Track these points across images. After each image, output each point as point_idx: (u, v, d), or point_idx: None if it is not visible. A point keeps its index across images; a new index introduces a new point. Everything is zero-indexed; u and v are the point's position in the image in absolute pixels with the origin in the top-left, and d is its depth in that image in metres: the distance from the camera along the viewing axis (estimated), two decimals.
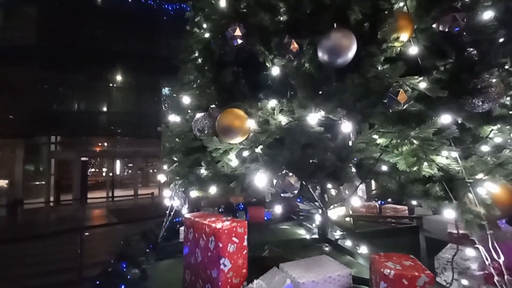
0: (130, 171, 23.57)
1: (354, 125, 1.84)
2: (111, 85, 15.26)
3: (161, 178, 3.01)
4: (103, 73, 14.65)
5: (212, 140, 2.10)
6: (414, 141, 1.67)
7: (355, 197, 1.96)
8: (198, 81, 2.86)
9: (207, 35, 2.70)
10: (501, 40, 2.18)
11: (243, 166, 2.09)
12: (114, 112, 15.17)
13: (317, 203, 3.65)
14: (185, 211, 2.74)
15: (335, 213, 4.12)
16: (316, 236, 3.90)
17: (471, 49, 2.08)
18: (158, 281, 2.57)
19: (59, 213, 11.49)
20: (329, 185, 3.71)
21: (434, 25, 2.01)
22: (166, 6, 16.45)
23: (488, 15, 2.17)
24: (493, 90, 1.85)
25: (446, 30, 1.96)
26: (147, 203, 12.83)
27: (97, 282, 2.32)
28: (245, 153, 2.07)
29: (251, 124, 2.01)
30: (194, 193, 2.42)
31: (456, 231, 3.11)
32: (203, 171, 2.30)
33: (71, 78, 13.90)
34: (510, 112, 2.11)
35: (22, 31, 13.16)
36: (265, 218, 5.20)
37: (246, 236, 2.23)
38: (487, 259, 1.63)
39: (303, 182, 2.11)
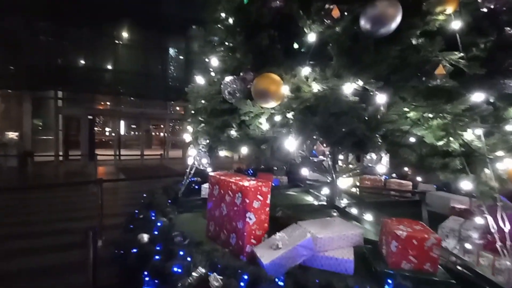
0: (134, 133, 23.74)
1: (387, 97, 1.90)
2: (116, 41, 14.76)
3: (186, 137, 3.14)
4: (108, 28, 14.08)
5: (245, 102, 2.18)
6: (447, 115, 1.75)
7: (379, 165, 2.10)
8: (226, 43, 2.85)
9: None
10: None
11: (273, 129, 2.20)
12: (119, 70, 14.85)
13: (327, 173, 3.84)
14: (209, 170, 2.91)
15: (343, 183, 4.33)
16: (323, 202, 4.15)
17: (509, 28, 2.07)
18: (183, 229, 2.83)
19: (70, 167, 11.91)
20: (340, 156, 3.85)
21: (479, 0, 1.98)
22: None
23: None
24: None
25: (492, 6, 1.93)
26: (155, 164, 13.21)
27: (131, 226, 2.57)
28: (277, 118, 2.16)
29: (285, 90, 2.07)
30: (222, 153, 2.56)
31: (459, 206, 3.33)
32: (233, 133, 2.42)
33: (75, 32, 13.40)
34: None
35: None
36: (273, 184, 5.46)
37: (269, 196, 2.41)
38: (493, 227, 1.81)
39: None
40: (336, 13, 1.97)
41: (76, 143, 14.00)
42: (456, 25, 1.90)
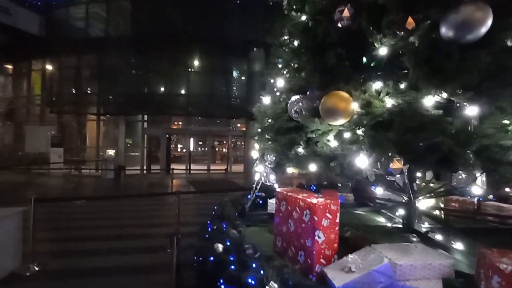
0: (201, 149, 25.87)
1: (480, 108, 1.68)
2: (189, 69, 16.79)
3: (253, 154, 3.33)
4: (180, 58, 16.17)
5: (313, 120, 2.22)
6: None
7: (475, 186, 1.82)
8: (292, 64, 2.98)
9: (303, 17, 2.75)
10: None
11: (342, 146, 2.16)
12: (190, 94, 16.76)
13: (402, 192, 3.47)
14: (276, 186, 3.00)
15: (424, 204, 3.84)
16: (399, 225, 3.74)
17: None
18: (252, 242, 2.94)
19: (152, 179, 13.76)
20: (418, 174, 3.46)
21: None
22: None
23: None
24: None
25: None
26: (220, 178, 14.14)
27: (206, 236, 2.81)
28: (346, 135, 2.12)
29: (355, 106, 2.04)
30: (290, 170, 2.63)
31: None
32: (300, 150, 2.47)
33: (157, 64, 15.87)
34: None
35: (118, 22, 15.50)
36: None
37: (338, 214, 2.34)
38: None
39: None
40: (411, 23, 1.88)
41: (156, 159, 16.19)
42: None
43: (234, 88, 17.92)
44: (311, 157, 2.37)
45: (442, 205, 4.16)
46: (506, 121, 1.65)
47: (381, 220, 4.24)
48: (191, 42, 15.35)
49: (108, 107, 15.71)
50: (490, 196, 4.42)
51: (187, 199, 8.19)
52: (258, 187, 3.60)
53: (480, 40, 1.72)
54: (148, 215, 6.93)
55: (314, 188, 5.86)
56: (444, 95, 1.69)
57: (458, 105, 1.75)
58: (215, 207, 3.70)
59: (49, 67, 16.65)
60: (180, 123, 19.78)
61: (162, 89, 16.49)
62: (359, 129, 2.05)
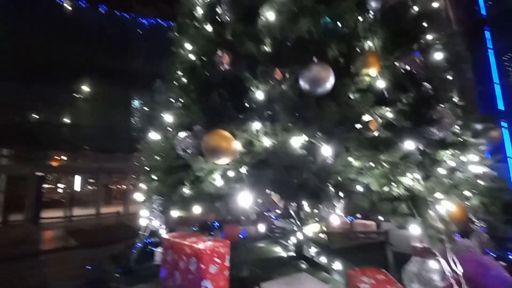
0: (92, 187, 21.87)
1: (333, 149, 2.01)
2: (76, 95, 14.43)
3: (138, 196, 2.91)
4: (67, 84, 13.85)
5: (198, 159, 2.13)
6: (385, 164, 1.87)
7: (333, 215, 2.11)
8: (181, 100, 2.90)
9: (191, 56, 2.79)
10: (449, 77, 2.59)
11: (227, 185, 2.14)
12: (78, 125, 14.25)
13: (293, 220, 3.76)
14: (162, 232, 2.66)
15: (310, 229, 4.25)
16: (292, 253, 3.97)
17: (427, 84, 2.44)
18: None
19: (6, 235, 10.17)
20: (304, 203, 3.85)
21: (396, 63, 2.33)
22: (141, 20, 16.36)
23: (439, 56, 2.57)
24: (445, 120, 2.17)
25: (407, 68, 2.28)
26: (112, 223, 11.93)
27: None
28: (230, 173, 2.13)
29: (237, 145, 2.09)
30: (175, 213, 2.39)
31: (418, 245, 3.40)
32: (186, 190, 2.30)
33: (31, 88, 12.91)
34: (459, 139, 2.46)
35: None
36: (241, 236, 5.17)
37: (228, 256, 2.24)
38: (448, 271, 1.84)
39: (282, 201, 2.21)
40: (278, 74, 2.16)
41: (20, 205, 12.30)
42: (381, 84, 2.18)
43: (138, 119, 16.43)
44: (197, 198, 2.24)
45: (325, 229, 4.73)
46: (351, 159, 2.02)
47: (278, 250, 4.42)
48: (83, 69, 13.48)
49: None
50: (358, 215, 5.38)
51: (60, 258, 6.38)
52: (146, 234, 3.13)
53: (330, 94, 2.12)
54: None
55: (218, 224, 5.68)
56: (306, 137, 1.94)
57: (319, 145, 2.04)
58: (89, 268, 2.96)
59: None
60: (66, 158, 16.24)
61: (36, 117, 13.37)
62: (241, 167, 2.09)
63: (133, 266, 3.16)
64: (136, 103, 16.23)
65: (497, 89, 10.48)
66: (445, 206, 1.92)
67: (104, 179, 17.25)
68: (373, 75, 2.17)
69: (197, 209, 2.22)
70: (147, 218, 2.75)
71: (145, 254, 3.52)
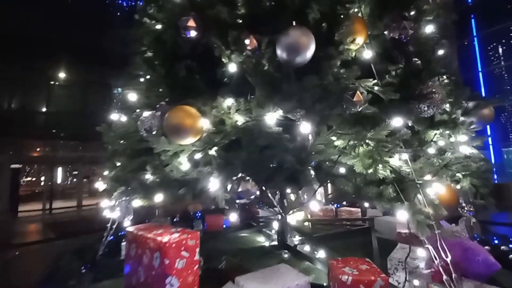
0: (74, 179, 21.19)
1: (313, 126, 1.78)
2: (52, 82, 13.53)
3: (100, 186, 2.61)
4: (43, 66, 12.87)
5: (160, 140, 1.85)
6: (370, 142, 1.66)
7: (313, 201, 1.90)
8: (148, 76, 2.59)
9: (159, 26, 2.46)
10: (441, 52, 2.38)
11: (195, 170, 1.88)
12: (55, 112, 13.41)
13: (276, 209, 3.57)
14: (127, 224, 2.39)
15: (294, 218, 4.09)
16: (275, 242, 3.80)
17: (416, 58, 2.23)
18: None
19: None
20: (288, 190, 3.66)
21: (385, 32, 2.10)
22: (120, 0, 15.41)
23: (430, 28, 2.35)
24: (436, 96, 1.97)
25: (396, 37, 2.04)
26: (92, 215, 11.50)
27: None
28: (198, 156, 1.86)
29: (205, 123, 1.82)
30: (137, 202, 2.11)
31: (404, 231, 3.30)
32: (148, 176, 2.02)
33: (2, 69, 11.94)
34: (449, 118, 2.29)
35: None
36: (224, 226, 4.97)
37: (198, 249, 2.00)
38: (435, 258, 1.68)
39: (263, 187, 1.98)
40: (253, 43, 1.88)
41: None
42: (368, 54, 1.95)
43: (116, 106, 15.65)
44: (161, 185, 1.97)
45: (309, 216, 4.59)
46: (333, 138, 1.80)
47: (261, 239, 4.25)
48: (59, 49, 12.47)
49: None
50: (344, 202, 5.28)
51: (37, 251, 6.01)
52: (114, 227, 2.85)
53: (312, 66, 1.87)
54: None
55: (199, 215, 5.45)
56: (281, 112, 1.70)
57: (297, 123, 1.81)
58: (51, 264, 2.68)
59: None
60: (45, 149, 15.42)
61: (8, 103, 12.49)
62: (210, 149, 1.84)
63: (100, 261, 2.89)
64: (117, 88, 15.47)
65: (480, 77, 10.60)
66: (435, 189, 1.74)
67: (86, 170, 16.61)
68: (360, 44, 1.93)
69: (159, 198, 1.96)
70: (110, 209, 2.47)
71: (116, 248, 3.25)
